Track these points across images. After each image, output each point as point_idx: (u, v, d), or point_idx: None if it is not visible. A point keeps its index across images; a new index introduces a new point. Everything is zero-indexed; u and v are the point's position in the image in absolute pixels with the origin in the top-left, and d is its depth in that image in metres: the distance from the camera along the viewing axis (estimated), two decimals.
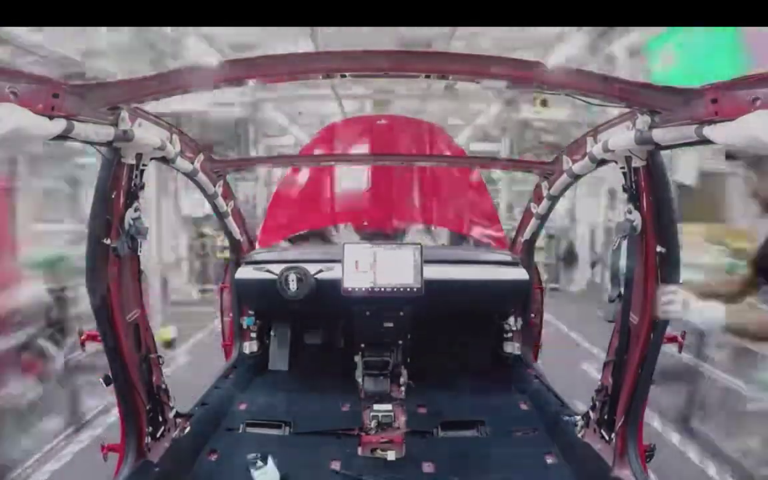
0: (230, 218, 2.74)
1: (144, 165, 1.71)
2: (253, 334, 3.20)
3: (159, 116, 1.69)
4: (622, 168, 1.75)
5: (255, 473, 1.98)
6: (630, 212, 1.72)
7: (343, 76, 1.45)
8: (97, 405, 4.03)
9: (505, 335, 3.22)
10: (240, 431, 2.46)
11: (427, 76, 1.41)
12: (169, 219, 7.95)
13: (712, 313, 1.44)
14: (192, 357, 5.64)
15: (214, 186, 2.44)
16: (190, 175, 2.16)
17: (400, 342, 2.92)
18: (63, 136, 1.11)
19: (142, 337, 1.92)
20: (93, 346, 1.82)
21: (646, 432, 1.89)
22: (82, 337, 1.80)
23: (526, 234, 2.92)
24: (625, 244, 1.74)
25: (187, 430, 2.19)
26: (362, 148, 3.06)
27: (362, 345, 2.93)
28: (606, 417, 2.00)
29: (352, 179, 3.15)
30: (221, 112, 8.42)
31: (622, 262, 1.80)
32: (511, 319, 3.16)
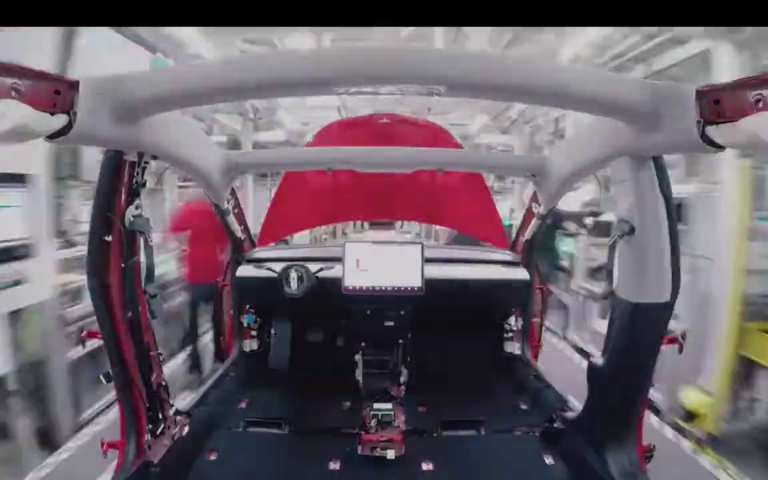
0: (231, 216, 2.74)
1: (146, 162, 1.71)
2: (254, 332, 3.20)
3: None
4: None
5: None
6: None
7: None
8: None
9: (505, 335, 3.22)
10: (240, 429, 2.46)
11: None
12: None
13: None
14: None
15: None
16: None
17: (401, 341, 2.92)
18: (64, 133, 1.11)
19: (142, 334, 1.92)
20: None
21: None
22: (82, 335, 1.80)
23: (527, 234, 2.92)
24: (621, 242, 1.74)
25: (187, 428, 2.19)
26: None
27: (362, 344, 2.94)
28: None
29: (352, 177, 3.15)
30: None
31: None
32: (512, 319, 3.17)
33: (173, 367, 4.91)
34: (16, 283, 3.11)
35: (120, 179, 1.65)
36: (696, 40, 4.40)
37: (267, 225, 3.51)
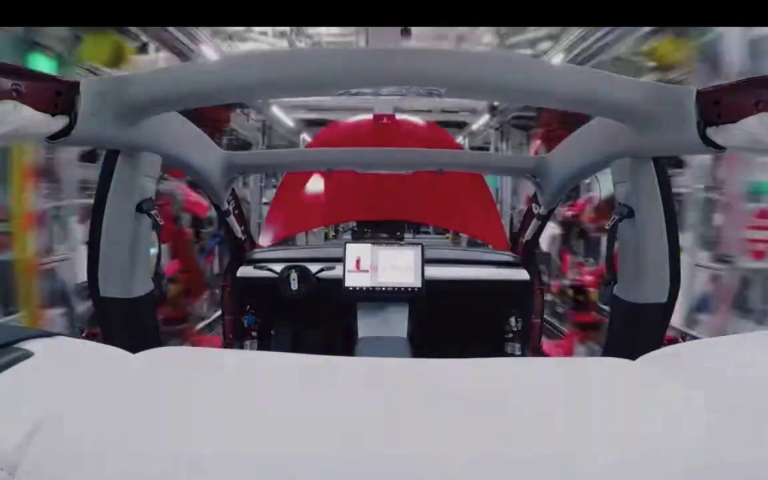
0: (231, 217, 2.74)
1: None
2: (254, 333, 3.20)
3: None
4: None
5: None
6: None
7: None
8: None
9: (505, 336, 3.22)
10: None
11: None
12: None
13: None
14: None
15: None
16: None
17: None
18: (65, 135, 1.11)
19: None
20: None
21: None
22: (84, 335, 1.80)
23: (528, 234, 2.92)
24: (621, 226, 1.73)
25: None
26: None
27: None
28: None
29: (353, 178, 3.15)
30: None
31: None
32: (512, 320, 3.17)
33: None
34: None
35: None
36: None
37: (268, 226, 3.51)
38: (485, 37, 6.77)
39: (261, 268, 2.98)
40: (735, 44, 3.39)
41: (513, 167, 2.76)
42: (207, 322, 5.42)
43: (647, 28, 4.30)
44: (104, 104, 1.19)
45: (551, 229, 5.85)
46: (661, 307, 1.70)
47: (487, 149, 10.73)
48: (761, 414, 0.49)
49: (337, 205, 3.52)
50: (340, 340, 3.29)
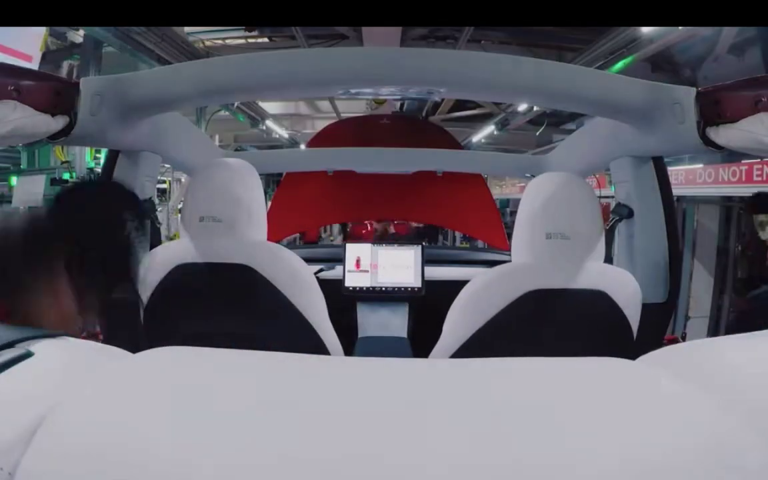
0: None
1: None
2: None
3: None
4: None
5: None
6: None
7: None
8: None
9: None
10: None
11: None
12: None
13: None
14: None
15: None
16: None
17: None
18: (65, 134, 1.12)
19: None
20: None
21: None
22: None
23: None
24: (620, 226, 1.73)
25: None
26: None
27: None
28: None
29: (352, 178, 3.15)
30: None
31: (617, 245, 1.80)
32: None
33: None
34: None
35: None
36: None
37: (268, 226, 3.51)
38: None
39: None
40: None
41: (513, 167, 2.76)
42: None
43: None
44: (104, 104, 1.19)
45: None
46: (661, 307, 1.70)
47: None
48: (762, 415, 0.49)
49: (337, 204, 3.52)
50: (340, 340, 3.28)
